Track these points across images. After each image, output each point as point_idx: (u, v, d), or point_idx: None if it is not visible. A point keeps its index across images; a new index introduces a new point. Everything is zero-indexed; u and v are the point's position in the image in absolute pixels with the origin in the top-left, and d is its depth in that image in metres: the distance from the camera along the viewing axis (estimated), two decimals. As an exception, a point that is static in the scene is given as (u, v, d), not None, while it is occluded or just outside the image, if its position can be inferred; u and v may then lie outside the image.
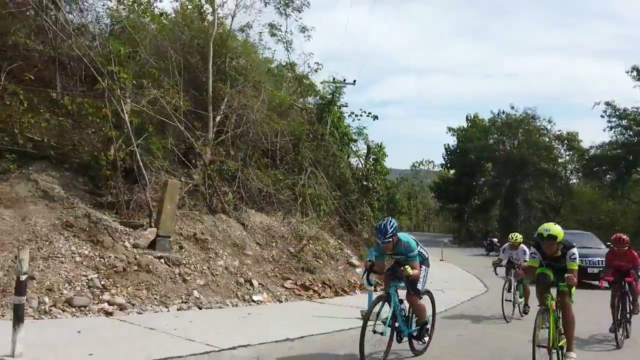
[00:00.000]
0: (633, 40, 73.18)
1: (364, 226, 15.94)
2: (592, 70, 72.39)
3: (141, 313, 7.08)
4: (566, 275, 5.72)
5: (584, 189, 43.90)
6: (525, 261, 8.95)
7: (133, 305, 7.14)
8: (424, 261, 6.29)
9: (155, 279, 8.02)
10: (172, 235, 9.07)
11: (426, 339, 6.29)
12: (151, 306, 7.30)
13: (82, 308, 6.62)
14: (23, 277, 4.49)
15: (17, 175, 8.40)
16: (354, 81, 20.83)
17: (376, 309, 5.67)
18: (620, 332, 7.49)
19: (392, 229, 5.74)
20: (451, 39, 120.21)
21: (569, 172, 44.65)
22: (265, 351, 5.92)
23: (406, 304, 6.17)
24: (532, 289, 7.41)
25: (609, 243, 9.22)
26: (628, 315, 7.96)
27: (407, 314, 6.13)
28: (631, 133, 36.02)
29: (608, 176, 36.75)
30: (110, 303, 6.89)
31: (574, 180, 45.60)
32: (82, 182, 9.24)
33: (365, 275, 6.30)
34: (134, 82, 9.80)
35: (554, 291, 5.89)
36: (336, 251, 12.97)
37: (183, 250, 9.16)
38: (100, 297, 6.99)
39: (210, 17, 12.91)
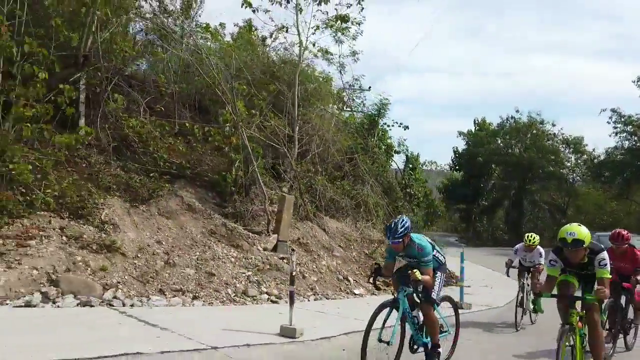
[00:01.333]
0: (628, 39, 75.41)
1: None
2: (587, 69, 74.53)
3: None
4: (596, 286, 5.01)
5: (588, 190, 46.00)
6: (540, 264, 8.67)
7: (281, 297, 9.08)
8: (440, 267, 5.82)
9: (284, 276, 9.94)
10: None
11: None
12: (296, 297, 9.25)
13: (254, 297, 8.57)
14: (294, 273, 6.63)
15: (167, 192, 10.30)
16: (369, 87, 22.72)
17: (382, 315, 5.29)
18: (611, 345, 6.75)
19: (403, 228, 5.37)
20: (448, 38, 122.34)
21: (575, 175, 46.60)
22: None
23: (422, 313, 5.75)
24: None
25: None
26: (627, 325, 7.23)
27: (420, 322, 5.67)
28: (636, 139, 38.26)
29: (617, 181, 38.70)
30: (268, 294, 8.83)
31: (580, 182, 47.59)
32: (211, 197, 11.17)
33: (372, 278, 6.03)
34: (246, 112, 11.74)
35: (578, 304, 5.15)
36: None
37: (294, 252, 11.10)
38: (259, 289, 8.93)
39: (295, 50, 14.78)
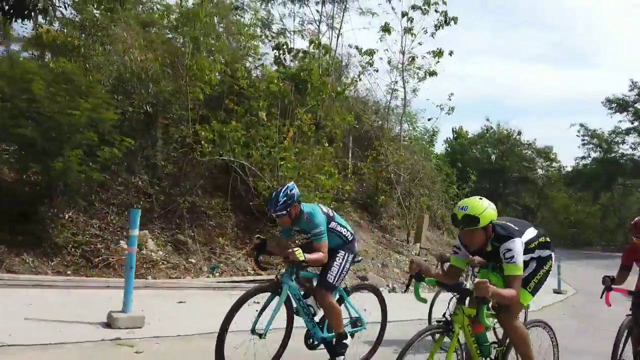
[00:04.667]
0: (560, 46, 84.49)
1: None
2: (525, 74, 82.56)
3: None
4: (475, 280, 3.52)
5: (556, 194, 52.28)
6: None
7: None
8: (346, 245, 4.87)
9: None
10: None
11: (340, 358, 4.71)
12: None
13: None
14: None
15: (345, 212, 14.08)
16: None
17: (258, 300, 4.38)
18: None
19: (285, 197, 4.50)
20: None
21: (545, 180, 52.71)
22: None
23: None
24: None
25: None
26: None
27: (315, 311, 4.81)
28: (601, 150, 44.48)
29: (590, 190, 44.86)
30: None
31: (550, 187, 53.90)
32: (366, 215, 15.04)
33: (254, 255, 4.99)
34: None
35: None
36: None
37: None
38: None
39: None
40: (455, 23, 17.87)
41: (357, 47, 16.84)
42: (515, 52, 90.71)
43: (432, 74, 18.45)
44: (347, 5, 16.46)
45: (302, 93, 12.23)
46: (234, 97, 11.20)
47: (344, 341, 4.72)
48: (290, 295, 4.54)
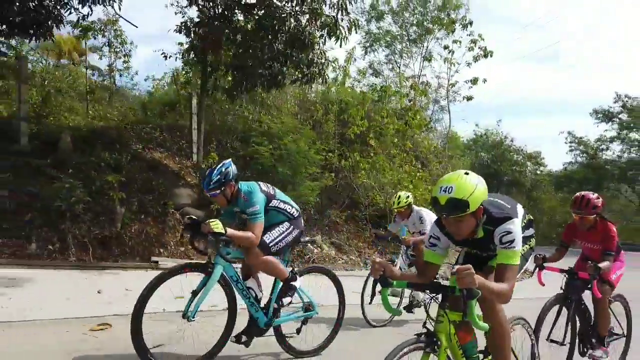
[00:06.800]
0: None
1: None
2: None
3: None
4: (454, 269, 2.52)
5: (544, 196, 56.71)
6: (424, 232, 6.48)
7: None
8: (291, 220, 4.62)
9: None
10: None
11: (288, 299, 4.50)
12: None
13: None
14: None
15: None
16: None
17: (184, 280, 3.92)
18: None
19: (219, 175, 4.17)
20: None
21: (534, 182, 57.07)
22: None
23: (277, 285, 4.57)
24: None
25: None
26: (595, 335, 4.90)
27: (257, 294, 4.43)
28: (587, 156, 48.90)
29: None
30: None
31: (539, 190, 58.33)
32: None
33: (189, 238, 4.44)
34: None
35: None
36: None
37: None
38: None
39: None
40: (491, 56, 21.49)
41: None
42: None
43: (470, 98, 22.15)
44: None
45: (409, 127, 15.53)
46: (371, 136, 14.43)
47: (292, 283, 4.50)
48: (227, 277, 4.21)
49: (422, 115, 15.56)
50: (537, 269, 4.93)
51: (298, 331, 4.70)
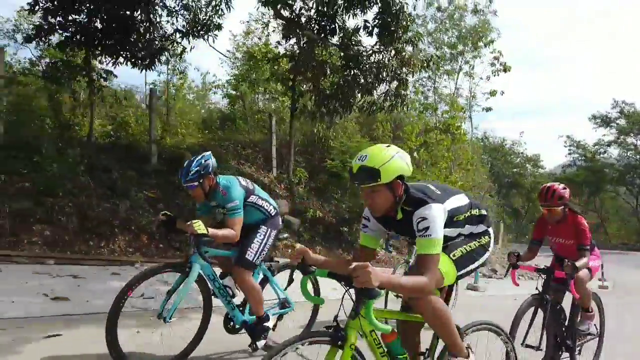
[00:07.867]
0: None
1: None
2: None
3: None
4: (352, 265, 2.27)
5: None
6: None
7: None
8: (268, 220, 4.52)
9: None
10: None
11: (262, 342, 4.30)
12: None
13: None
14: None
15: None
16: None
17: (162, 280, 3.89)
18: None
19: (198, 166, 4.08)
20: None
21: (534, 185, 59.31)
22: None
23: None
24: None
25: None
26: (573, 338, 4.65)
27: (233, 292, 4.52)
28: (584, 159, 51.11)
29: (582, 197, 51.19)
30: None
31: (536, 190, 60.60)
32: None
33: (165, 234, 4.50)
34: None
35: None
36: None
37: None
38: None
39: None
40: (510, 71, 23.55)
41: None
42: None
43: (489, 109, 24.20)
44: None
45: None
46: (422, 150, 16.32)
47: (265, 324, 4.35)
48: (204, 275, 4.19)
49: (464, 130, 17.48)
50: (511, 267, 4.63)
51: (274, 328, 4.57)
